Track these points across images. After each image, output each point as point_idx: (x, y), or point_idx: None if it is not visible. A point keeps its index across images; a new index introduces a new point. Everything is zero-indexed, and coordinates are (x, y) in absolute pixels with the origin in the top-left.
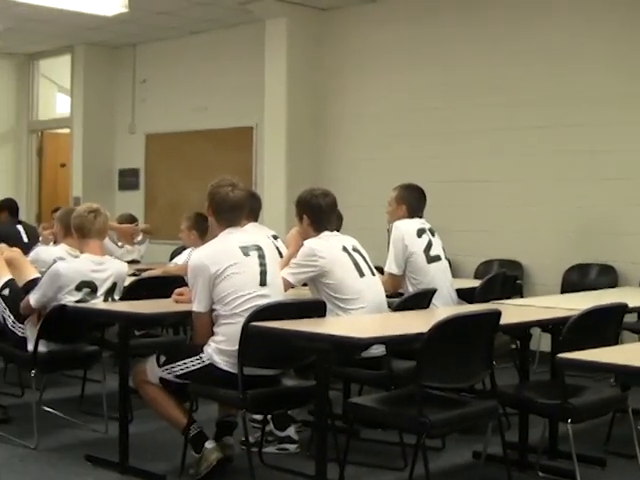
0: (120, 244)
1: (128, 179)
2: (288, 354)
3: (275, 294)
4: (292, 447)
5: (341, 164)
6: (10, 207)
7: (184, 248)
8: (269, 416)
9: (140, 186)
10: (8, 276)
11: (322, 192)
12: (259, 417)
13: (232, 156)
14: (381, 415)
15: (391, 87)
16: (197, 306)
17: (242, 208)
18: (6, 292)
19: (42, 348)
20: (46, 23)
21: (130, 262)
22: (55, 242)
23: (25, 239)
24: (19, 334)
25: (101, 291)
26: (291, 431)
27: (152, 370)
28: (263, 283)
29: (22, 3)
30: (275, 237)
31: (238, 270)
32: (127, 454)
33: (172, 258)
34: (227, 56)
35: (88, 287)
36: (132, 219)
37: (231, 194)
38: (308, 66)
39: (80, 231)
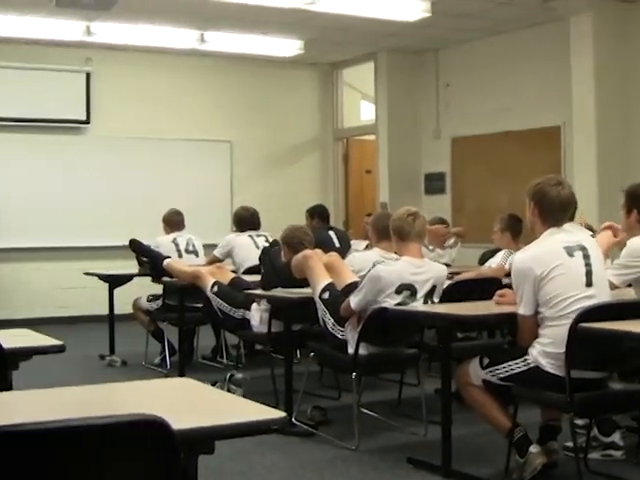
0: (431, 247)
1: (434, 183)
2: (616, 356)
3: (601, 295)
4: (617, 454)
5: None
6: (321, 213)
7: (497, 250)
8: (593, 421)
9: (446, 190)
10: (328, 280)
11: None
12: (581, 422)
13: (539, 157)
14: None
15: None
16: (523, 309)
17: (570, 207)
18: (326, 296)
19: (362, 351)
20: (349, 32)
21: None
22: (367, 246)
23: (337, 244)
24: (339, 337)
25: (421, 294)
26: (616, 437)
27: (475, 372)
28: (589, 284)
29: (326, 13)
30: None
31: (563, 271)
32: (450, 457)
33: (481, 260)
34: (530, 56)
35: (408, 290)
36: (443, 223)
37: (562, 193)
38: (616, 62)
39: (399, 234)
